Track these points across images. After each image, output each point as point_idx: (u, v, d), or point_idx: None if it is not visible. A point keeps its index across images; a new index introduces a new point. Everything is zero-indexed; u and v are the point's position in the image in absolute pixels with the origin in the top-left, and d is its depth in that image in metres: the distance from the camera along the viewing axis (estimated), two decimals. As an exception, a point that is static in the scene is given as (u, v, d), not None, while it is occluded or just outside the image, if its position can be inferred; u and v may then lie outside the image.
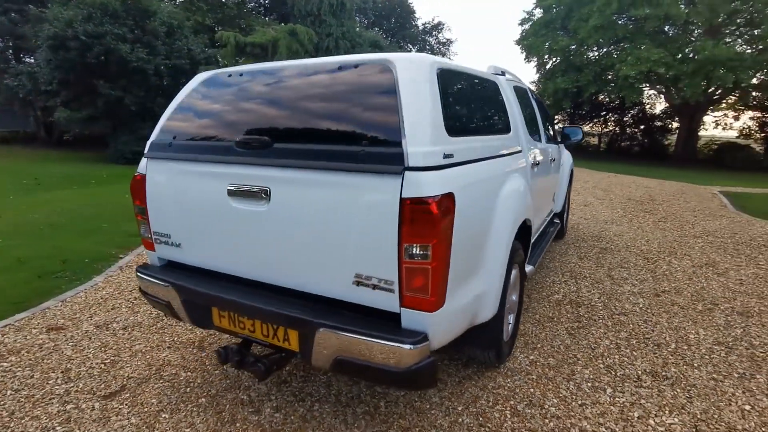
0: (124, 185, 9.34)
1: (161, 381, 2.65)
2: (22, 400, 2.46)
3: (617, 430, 2.23)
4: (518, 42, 23.05)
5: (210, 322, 2.25)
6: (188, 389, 2.57)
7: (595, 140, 27.03)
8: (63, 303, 3.70)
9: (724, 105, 22.62)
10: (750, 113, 22.42)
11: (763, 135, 22.92)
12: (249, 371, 2.09)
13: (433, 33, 31.49)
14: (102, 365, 2.81)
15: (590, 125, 26.46)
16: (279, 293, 2.07)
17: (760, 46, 18.60)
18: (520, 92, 3.53)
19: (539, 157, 3.42)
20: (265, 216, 1.98)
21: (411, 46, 29.10)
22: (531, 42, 21.77)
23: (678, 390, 2.57)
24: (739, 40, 19.93)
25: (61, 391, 2.53)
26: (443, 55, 33.00)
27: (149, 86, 14.42)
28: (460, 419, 2.32)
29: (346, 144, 1.83)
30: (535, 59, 23.75)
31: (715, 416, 2.35)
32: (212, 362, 2.85)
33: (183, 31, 15.79)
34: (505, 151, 2.63)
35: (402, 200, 1.65)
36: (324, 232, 1.85)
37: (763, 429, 2.26)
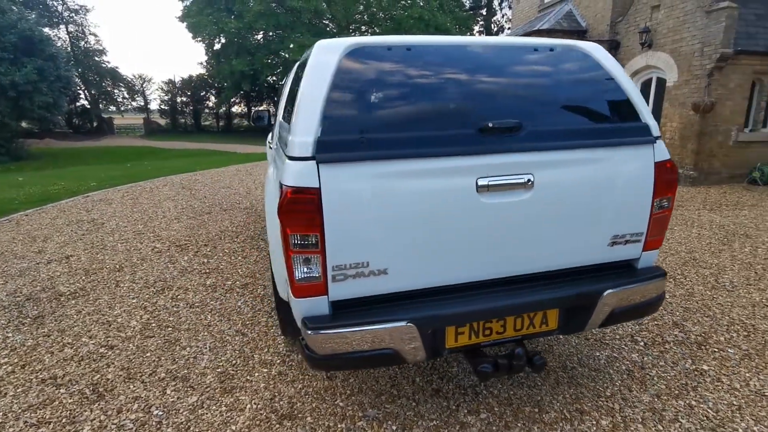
0: None
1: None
2: None
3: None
4: (182, 19, 21.42)
5: (443, 347, 1.86)
6: (367, 454, 1.96)
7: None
8: None
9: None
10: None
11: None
12: (530, 370, 1.92)
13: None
14: None
15: (266, 105, 28.31)
16: (508, 283, 1.96)
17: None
18: None
19: None
20: (525, 205, 1.83)
21: (29, 10, 21.73)
22: (197, 21, 20.70)
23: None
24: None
25: None
26: (79, 25, 26.51)
27: None
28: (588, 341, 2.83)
29: (594, 122, 1.96)
30: (204, 40, 22.82)
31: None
32: (337, 418, 2.17)
33: None
34: None
35: (655, 164, 2.01)
36: (584, 207, 1.93)
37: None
